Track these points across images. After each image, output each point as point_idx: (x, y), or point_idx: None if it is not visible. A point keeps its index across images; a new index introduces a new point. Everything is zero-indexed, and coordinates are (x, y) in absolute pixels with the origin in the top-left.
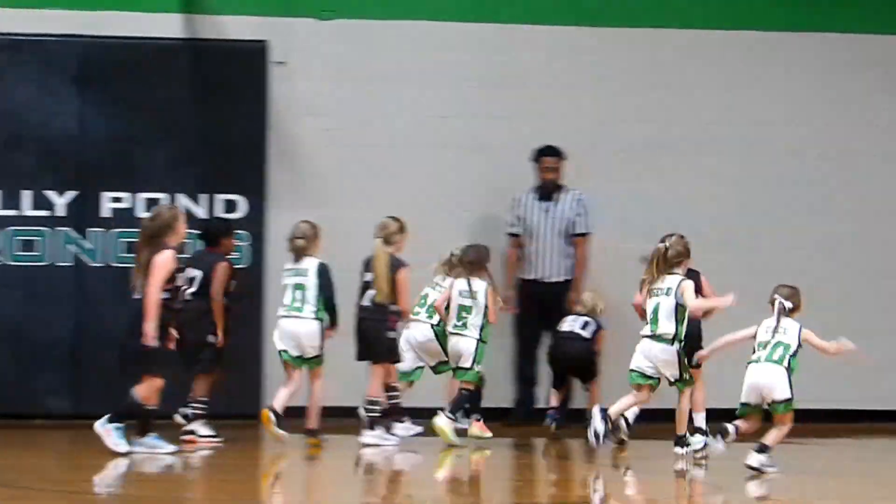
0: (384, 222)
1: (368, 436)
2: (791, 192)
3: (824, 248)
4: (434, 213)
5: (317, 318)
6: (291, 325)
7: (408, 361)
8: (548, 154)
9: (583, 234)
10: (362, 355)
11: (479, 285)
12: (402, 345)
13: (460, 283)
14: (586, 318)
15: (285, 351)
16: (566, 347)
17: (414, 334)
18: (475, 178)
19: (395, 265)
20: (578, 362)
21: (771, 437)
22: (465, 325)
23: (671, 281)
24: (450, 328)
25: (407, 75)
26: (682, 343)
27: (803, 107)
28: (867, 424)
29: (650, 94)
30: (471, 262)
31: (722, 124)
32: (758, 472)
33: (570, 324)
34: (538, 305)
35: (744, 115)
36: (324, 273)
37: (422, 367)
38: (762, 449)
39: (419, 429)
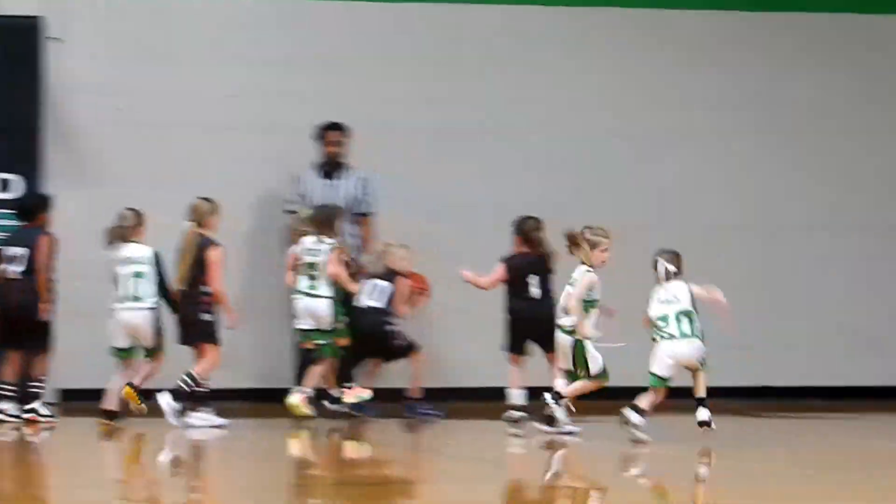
0: (195, 204)
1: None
2: (587, 175)
3: (621, 233)
4: (222, 192)
5: (153, 307)
6: (129, 315)
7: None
8: (332, 129)
9: (367, 214)
10: (181, 339)
11: (324, 245)
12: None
13: (307, 241)
14: (382, 284)
15: (117, 348)
16: (360, 324)
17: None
18: (264, 157)
19: (205, 245)
20: (376, 340)
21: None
22: (314, 284)
23: (578, 272)
24: (302, 288)
25: (193, 53)
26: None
27: (600, 86)
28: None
29: (442, 74)
30: (317, 220)
31: (513, 105)
32: (635, 427)
33: (365, 294)
34: None
35: (536, 96)
36: (160, 260)
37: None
38: (636, 408)
39: (223, 420)
